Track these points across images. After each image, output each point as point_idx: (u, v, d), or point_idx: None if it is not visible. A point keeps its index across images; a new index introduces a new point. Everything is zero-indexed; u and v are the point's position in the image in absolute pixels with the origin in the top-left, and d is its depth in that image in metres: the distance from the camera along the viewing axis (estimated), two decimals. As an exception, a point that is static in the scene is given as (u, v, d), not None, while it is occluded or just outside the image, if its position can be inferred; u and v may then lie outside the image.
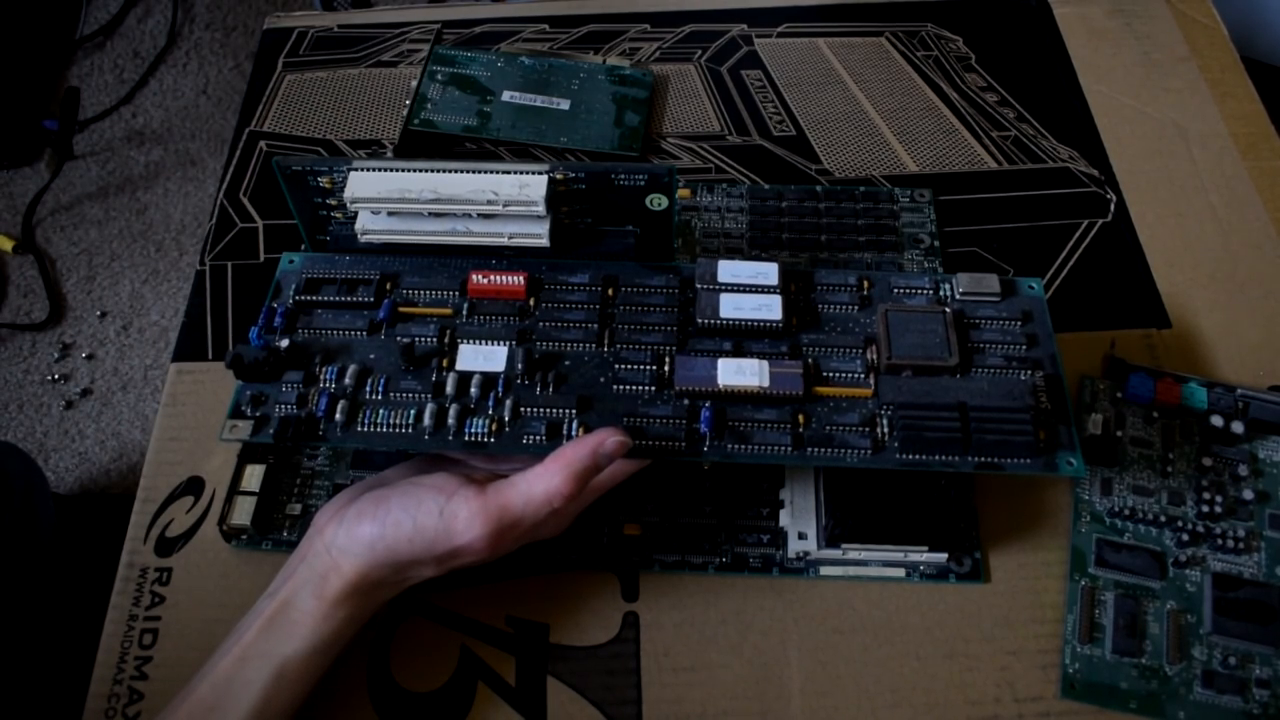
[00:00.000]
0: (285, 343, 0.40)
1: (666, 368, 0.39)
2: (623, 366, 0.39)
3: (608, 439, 0.35)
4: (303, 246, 0.45)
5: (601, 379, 0.39)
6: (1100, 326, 0.49)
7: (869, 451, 0.37)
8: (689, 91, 0.61)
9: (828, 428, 0.38)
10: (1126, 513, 0.42)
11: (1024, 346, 0.40)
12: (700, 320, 0.40)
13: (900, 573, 0.42)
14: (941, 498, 0.42)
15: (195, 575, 0.43)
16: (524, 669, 0.40)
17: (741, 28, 0.64)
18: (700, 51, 0.63)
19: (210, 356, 0.50)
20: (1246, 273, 0.51)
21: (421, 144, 0.58)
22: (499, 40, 0.63)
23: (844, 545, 0.41)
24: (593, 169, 0.40)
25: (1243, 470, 0.43)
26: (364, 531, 0.35)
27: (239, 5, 1.47)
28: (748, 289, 0.41)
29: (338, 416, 0.38)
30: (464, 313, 0.41)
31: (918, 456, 0.37)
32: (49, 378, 1.15)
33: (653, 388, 0.39)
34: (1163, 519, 0.42)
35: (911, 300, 0.42)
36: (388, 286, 0.42)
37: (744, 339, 0.40)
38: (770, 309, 0.40)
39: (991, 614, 0.41)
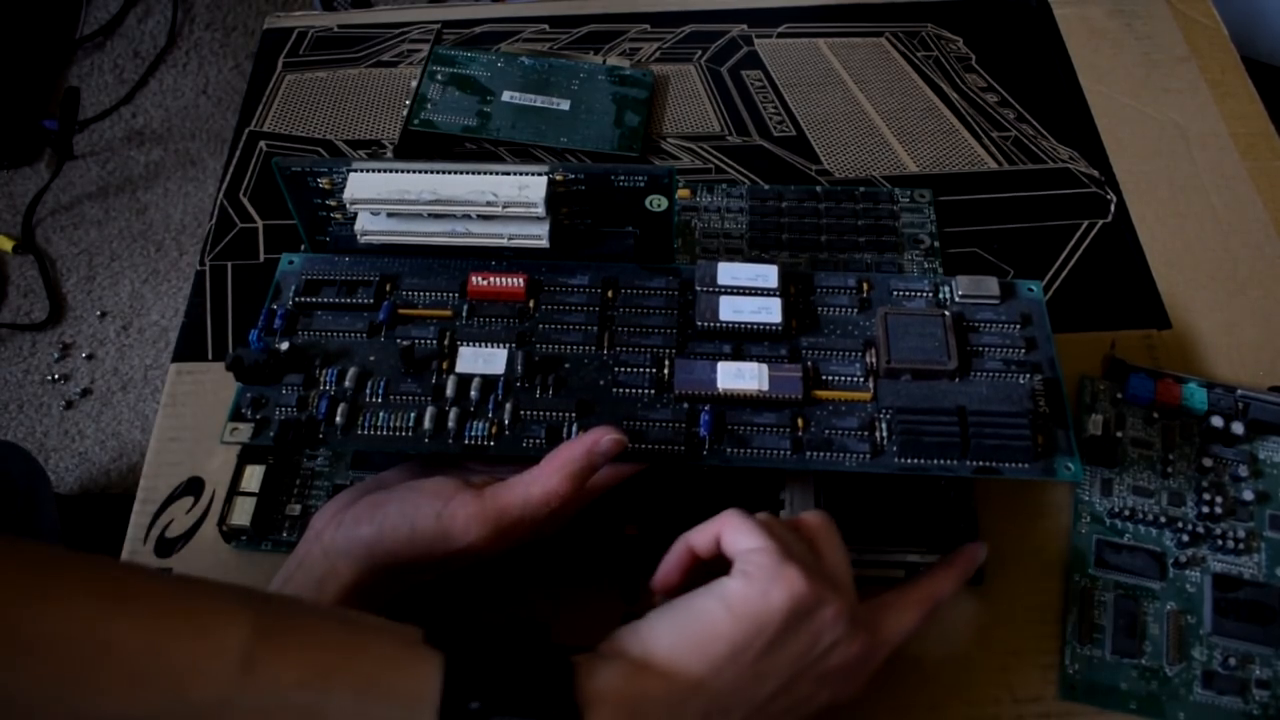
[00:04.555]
0: (285, 345, 0.40)
1: (666, 371, 0.39)
2: (622, 369, 0.39)
3: (603, 438, 0.35)
4: (302, 247, 0.45)
5: (601, 382, 0.39)
6: (1100, 327, 0.49)
7: (868, 456, 0.37)
8: (689, 92, 0.61)
9: (827, 432, 0.38)
10: (1126, 513, 0.42)
11: (1023, 350, 0.40)
12: (700, 323, 0.40)
13: (900, 574, 0.42)
14: (940, 499, 0.42)
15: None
16: (524, 670, 0.40)
17: (741, 28, 0.64)
18: (700, 52, 0.63)
19: (210, 357, 0.50)
20: (1246, 273, 0.51)
21: (421, 144, 0.58)
22: (499, 40, 0.63)
23: (844, 547, 0.41)
24: (592, 170, 0.40)
25: (1242, 471, 0.43)
26: (362, 536, 0.35)
27: (239, 5, 1.47)
28: (747, 291, 0.41)
29: (338, 419, 0.38)
30: (464, 314, 0.41)
31: (916, 461, 0.37)
32: (49, 378, 1.15)
33: (652, 391, 0.39)
34: (1163, 520, 0.42)
35: (911, 303, 0.42)
36: (387, 288, 0.42)
37: (743, 342, 0.40)
38: (770, 312, 0.40)
39: (991, 615, 0.41)
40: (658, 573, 0.35)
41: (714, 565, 0.34)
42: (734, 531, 0.33)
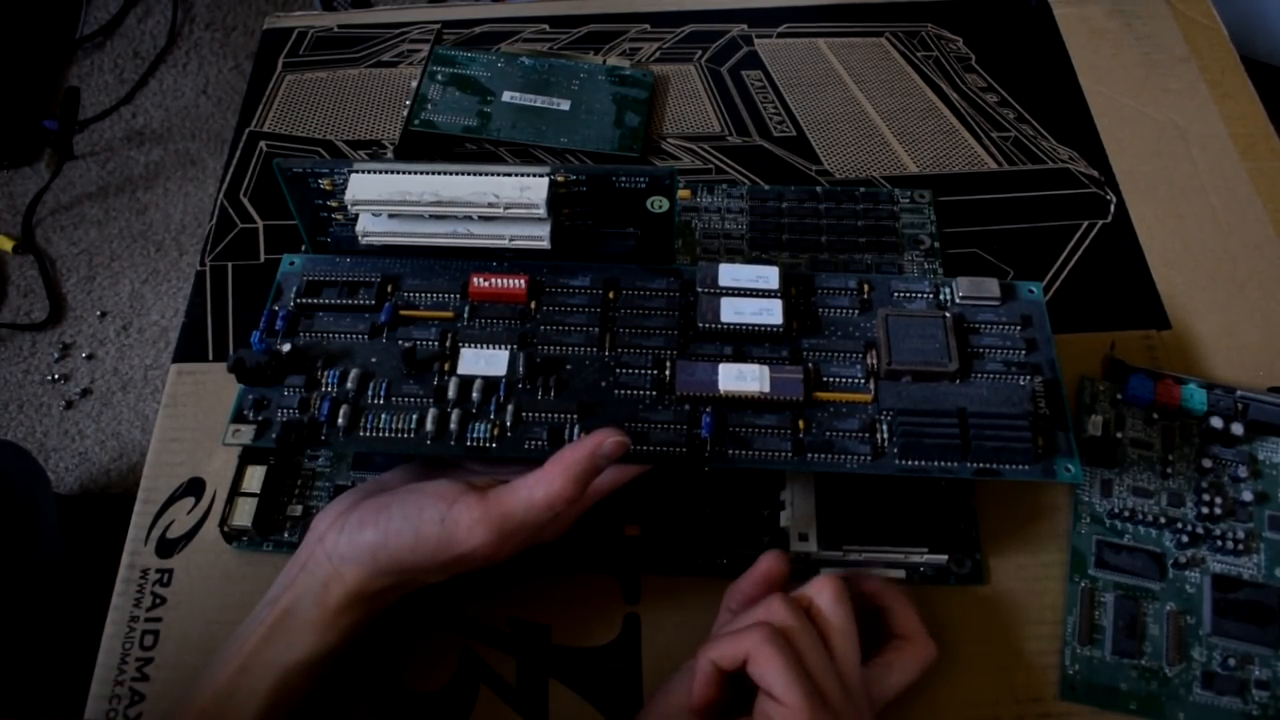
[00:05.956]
0: (287, 346, 0.40)
1: (667, 372, 0.40)
2: (624, 371, 0.39)
3: (606, 440, 0.35)
4: (303, 248, 0.45)
5: (603, 383, 0.39)
6: (1100, 328, 0.49)
7: (869, 458, 0.38)
8: (689, 92, 0.61)
9: (828, 433, 0.38)
10: (1126, 514, 0.42)
11: (1023, 351, 0.40)
12: (701, 324, 0.40)
13: (900, 574, 0.42)
14: (941, 499, 0.42)
15: (196, 576, 0.43)
16: (525, 670, 0.40)
17: (741, 28, 0.64)
18: (700, 52, 0.63)
19: (211, 357, 0.50)
20: (1246, 274, 0.51)
21: (422, 144, 0.58)
22: (499, 40, 0.63)
23: (844, 547, 0.41)
24: (594, 171, 0.40)
25: (1242, 472, 0.43)
26: (366, 540, 0.35)
27: (239, 5, 1.47)
28: (748, 293, 0.41)
29: (340, 421, 0.38)
30: (465, 316, 0.41)
31: (917, 463, 0.37)
32: (49, 378, 1.15)
33: (654, 393, 0.39)
34: (1162, 520, 0.42)
35: (911, 304, 0.42)
36: (389, 289, 0.42)
37: (745, 343, 0.40)
38: (771, 313, 0.40)
39: (991, 615, 0.41)
40: (694, 696, 0.35)
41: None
42: (763, 664, 0.33)
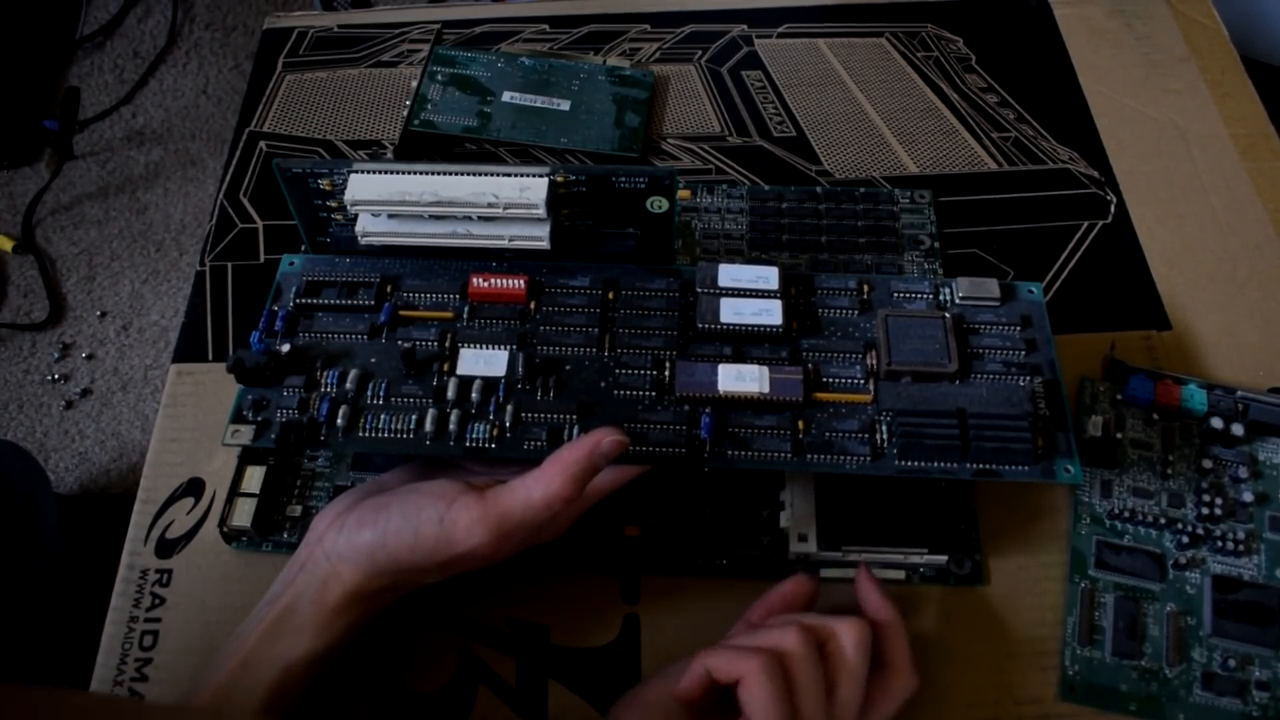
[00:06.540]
0: (286, 347, 0.40)
1: (667, 373, 0.40)
2: (623, 371, 0.39)
3: (604, 439, 0.35)
4: (303, 248, 0.45)
5: (602, 384, 0.39)
6: (1100, 328, 0.49)
7: (868, 458, 0.37)
8: (689, 92, 0.61)
9: (827, 434, 0.38)
10: (1126, 515, 0.42)
11: (1023, 352, 0.40)
12: (701, 325, 0.40)
13: (900, 574, 0.42)
14: (941, 500, 0.42)
15: (196, 577, 0.43)
16: (525, 671, 0.40)
17: (741, 28, 0.64)
18: (700, 52, 0.63)
19: (210, 357, 0.50)
20: (1246, 274, 0.51)
21: (422, 144, 0.58)
22: (499, 40, 0.63)
23: (844, 547, 0.41)
24: (593, 171, 0.40)
25: (1242, 472, 0.43)
26: (365, 539, 0.35)
27: (239, 5, 1.47)
28: (748, 294, 0.41)
29: (339, 421, 0.38)
30: (465, 316, 0.41)
31: (917, 463, 0.37)
32: (49, 378, 1.15)
33: (653, 393, 0.39)
34: (1162, 521, 0.42)
35: (911, 305, 0.42)
36: (388, 289, 0.42)
37: (744, 344, 0.40)
38: (770, 314, 0.40)
39: (991, 616, 0.41)
40: (679, 688, 0.35)
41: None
42: (753, 690, 0.33)
